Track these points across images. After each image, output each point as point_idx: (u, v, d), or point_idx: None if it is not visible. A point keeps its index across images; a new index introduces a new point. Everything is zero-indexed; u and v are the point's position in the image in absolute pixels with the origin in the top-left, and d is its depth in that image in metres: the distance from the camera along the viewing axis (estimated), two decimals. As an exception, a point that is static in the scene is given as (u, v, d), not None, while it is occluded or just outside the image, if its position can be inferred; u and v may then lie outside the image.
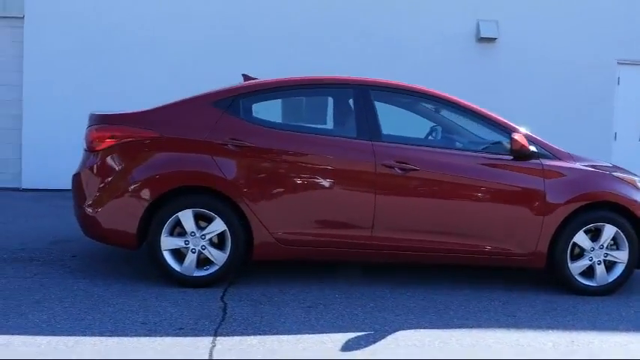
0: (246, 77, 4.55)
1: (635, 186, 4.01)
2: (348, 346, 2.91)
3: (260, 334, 2.99)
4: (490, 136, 3.99)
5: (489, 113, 4.00)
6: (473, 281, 4.10)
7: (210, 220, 3.67)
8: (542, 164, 3.88)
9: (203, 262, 3.70)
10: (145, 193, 3.62)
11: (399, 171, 3.73)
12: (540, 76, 8.26)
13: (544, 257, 3.88)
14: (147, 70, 7.70)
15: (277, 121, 3.88)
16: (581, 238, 3.89)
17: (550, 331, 3.24)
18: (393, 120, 4.08)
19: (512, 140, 3.75)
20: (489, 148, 3.96)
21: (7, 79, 7.60)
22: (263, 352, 2.80)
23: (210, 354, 2.72)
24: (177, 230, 3.68)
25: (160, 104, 3.84)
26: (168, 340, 2.87)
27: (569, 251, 3.88)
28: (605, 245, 3.92)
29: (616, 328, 3.35)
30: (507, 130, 3.92)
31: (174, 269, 3.66)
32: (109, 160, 3.68)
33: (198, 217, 3.65)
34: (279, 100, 3.98)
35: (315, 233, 3.76)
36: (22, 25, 7.58)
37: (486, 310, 3.56)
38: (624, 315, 3.59)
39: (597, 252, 3.92)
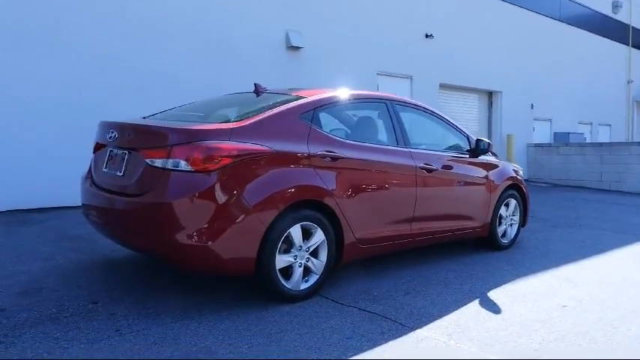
0: (257, 86, 4.46)
1: (518, 172, 5.91)
2: (494, 310, 3.70)
3: (434, 320, 3.45)
4: (455, 139, 5.20)
5: (455, 122, 5.21)
6: (438, 256, 5.26)
7: (305, 232, 3.72)
8: (486, 159, 5.35)
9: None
10: (266, 213, 3.39)
11: (426, 172, 4.57)
12: (333, 80, 9.82)
13: (488, 227, 5.38)
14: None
15: (348, 133, 4.09)
16: (503, 210, 5.56)
17: (541, 274, 4.72)
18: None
19: (488, 143, 5.08)
20: (458, 149, 5.17)
21: None
22: (464, 329, 3.33)
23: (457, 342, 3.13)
24: (283, 247, 3.60)
25: (250, 118, 3.56)
26: (404, 342, 3.08)
27: (497, 220, 5.50)
28: (511, 213, 5.70)
29: (557, 265, 5.07)
30: (464, 134, 5.22)
31: (285, 287, 3.59)
32: (224, 180, 3.25)
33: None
34: (343, 112, 4.17)
35: (380, 230, 4.24)
36: None
37: (490, 270, 4.78)
38: (547, 255, 5.39)
39: (508, 218, 5.67)
